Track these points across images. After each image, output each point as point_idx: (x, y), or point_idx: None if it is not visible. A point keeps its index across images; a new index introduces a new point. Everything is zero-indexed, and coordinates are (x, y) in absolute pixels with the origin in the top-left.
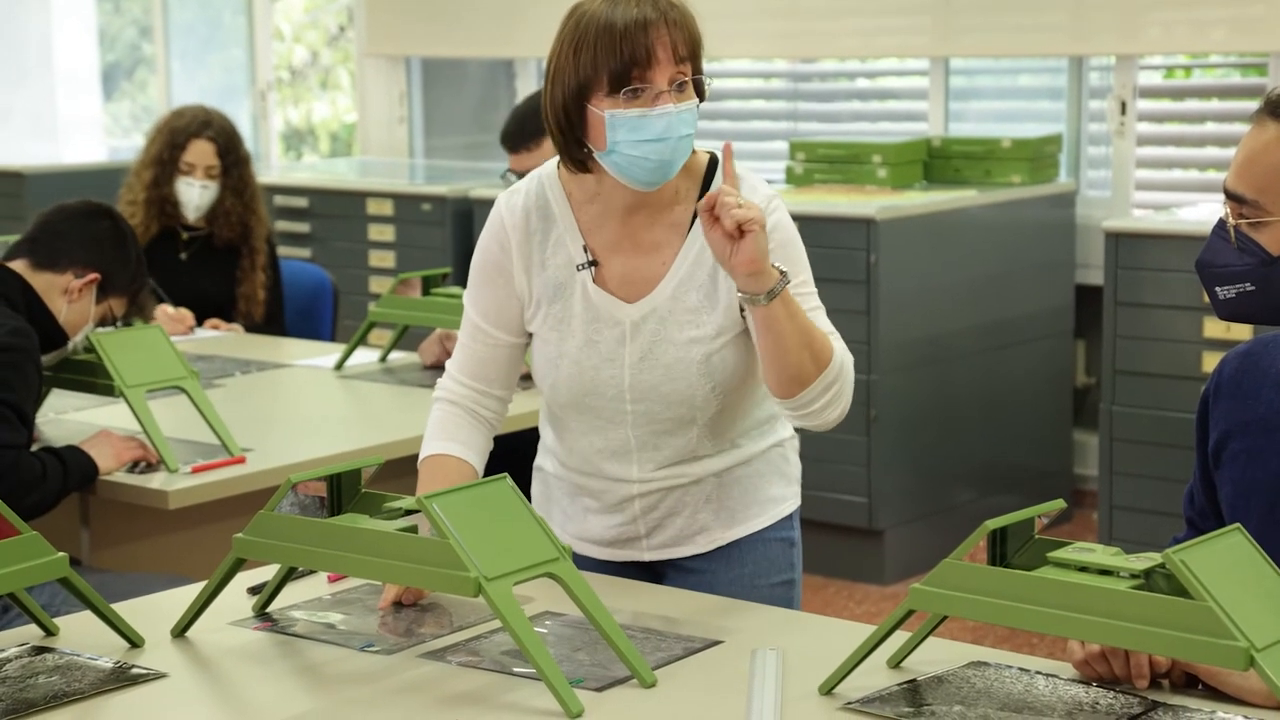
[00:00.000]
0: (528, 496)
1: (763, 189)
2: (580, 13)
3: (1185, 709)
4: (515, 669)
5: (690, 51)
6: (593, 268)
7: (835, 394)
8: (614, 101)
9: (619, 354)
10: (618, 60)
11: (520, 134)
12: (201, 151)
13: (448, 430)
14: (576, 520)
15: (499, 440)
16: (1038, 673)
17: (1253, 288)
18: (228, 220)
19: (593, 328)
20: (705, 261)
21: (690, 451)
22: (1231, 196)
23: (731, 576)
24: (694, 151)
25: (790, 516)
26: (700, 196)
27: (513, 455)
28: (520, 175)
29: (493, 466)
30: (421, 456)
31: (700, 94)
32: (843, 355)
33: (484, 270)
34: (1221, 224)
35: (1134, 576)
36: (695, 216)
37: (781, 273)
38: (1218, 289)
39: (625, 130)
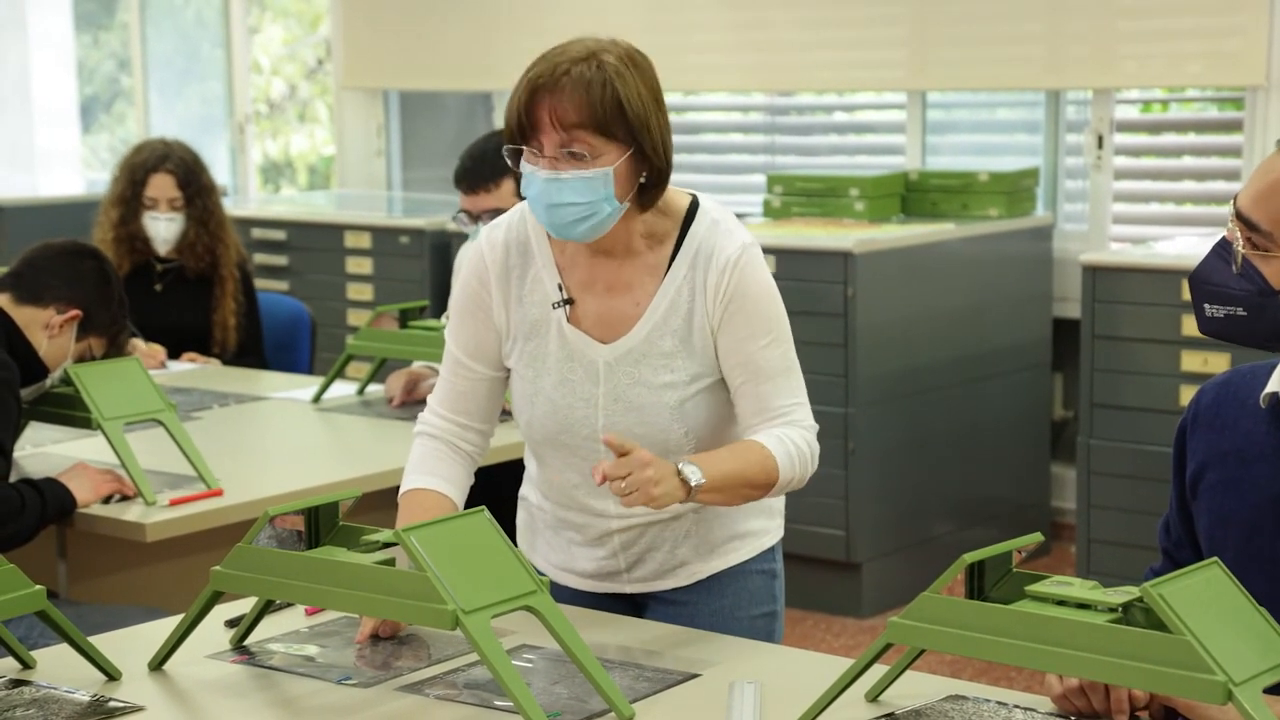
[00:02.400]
0: (511, 528)
1: (736, 239)
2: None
3: None
4: (493, 702)
5: (589, 119)
6: (567, 306)
7: (794, 486)
8: (525, 153)
9: (593, 394)
10: (510, 117)
11: (477, 174)
12: (161, 185)
13: (428, 464)
14: (560, 551)
15: (481, 472)
16: (1016, 706)
17: (1244, 313)
18: (194, 251)
19: (567, 366)
20: (680, 307)
21: None
22: (1243, 219)
23: (713, 609)
24: (683, 193)
25: (772, 549)
26: (681, 238)
27: (496, 488)
28: (473, 217)
29: (475, 499)
30: (402, 491)
31: (652, 160)
32: (792, 458)
33: (464, 304)
34: (1225, 244)
35: (1112, 610)
36: (672, 259)
37: (688, 484)
38: (1207, 305)
39: (524, 184)
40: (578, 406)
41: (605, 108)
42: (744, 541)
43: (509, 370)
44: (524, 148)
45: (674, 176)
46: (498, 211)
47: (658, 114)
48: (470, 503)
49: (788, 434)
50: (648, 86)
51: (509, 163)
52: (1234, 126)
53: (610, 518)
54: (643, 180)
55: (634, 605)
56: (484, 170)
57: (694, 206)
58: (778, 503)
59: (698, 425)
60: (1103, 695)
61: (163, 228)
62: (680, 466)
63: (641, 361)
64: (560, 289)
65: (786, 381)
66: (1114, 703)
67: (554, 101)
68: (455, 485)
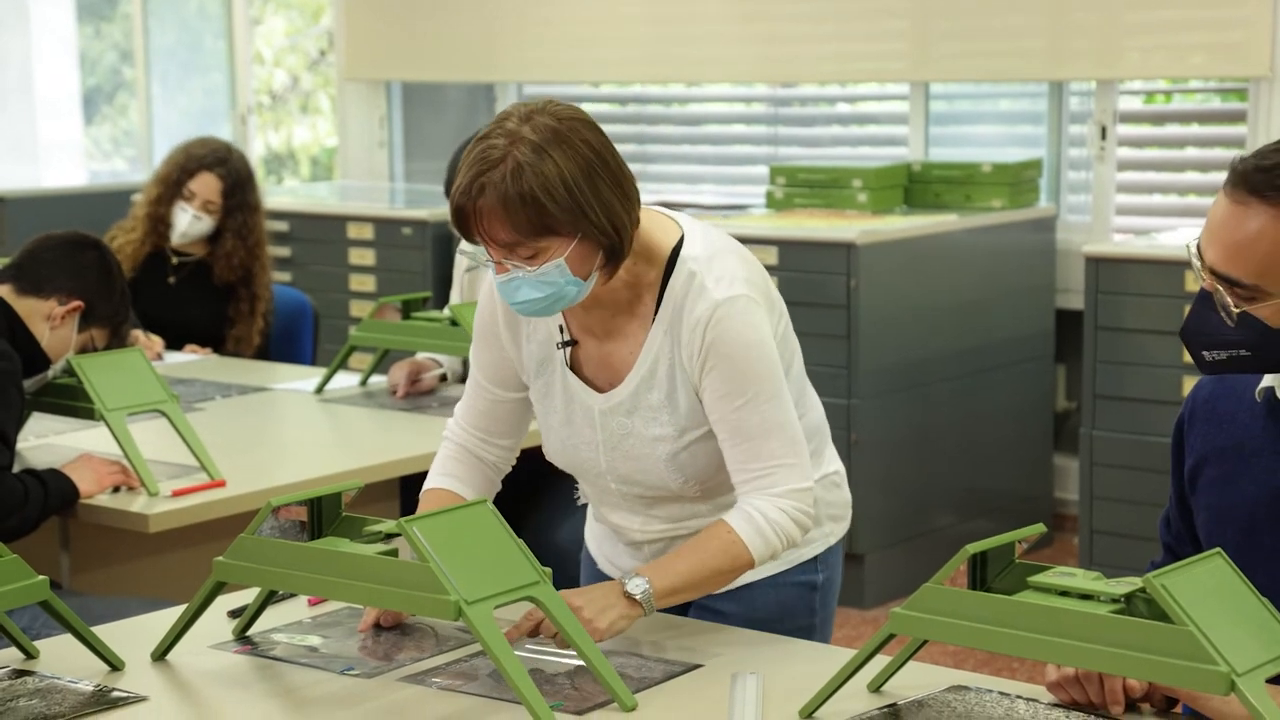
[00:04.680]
0: (522, 518)
1: (709, 297)
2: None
3: None
4: (496, 693)
5: (518, 232)
6: (569, 348)
7: (778, 555)
8: None
9: (594, 439)
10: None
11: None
12: (207, 184)
13: (448, 467)
14: (608, 543)
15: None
16: (1018, 697)
17: (1248, 353)
18: (229, 262)
19: (569, 408)
20: (663, 362)
21: (689, 513)
22: (1220, 277)
23: (746, 620)
24: (670, 226)
25: (815, 559)
26: (664, 284)
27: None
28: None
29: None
30: (422, 491)
31: (600, 239)
32: (764, 534)
33: (481, 331)
34: (1207, 296)
35: (1114, 601)
36: (656, 312)
37: (633, 599)
38: (1205, 352)
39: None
40: (582, 447)
41: (530, 216)
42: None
43: (528, 391)
44: None
45: (678, 169)
46: None
47: (593, 190)
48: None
49: (760, 507)
50: (576, 163)
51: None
52: (1237, 118)
53: (634, 530)
54: (602, 250)
55: (678, 610)
56: None
57: (677, 251)
58: (829, 509)
59: (696, 474)
60: (1097, 686)
61: (186, 221)
62: (625, 583)
63: (633, 413)
64: (562, 330)
65: (765, 443)
66: (1109, 694)
67: (480, 224)
68: (472, 488)
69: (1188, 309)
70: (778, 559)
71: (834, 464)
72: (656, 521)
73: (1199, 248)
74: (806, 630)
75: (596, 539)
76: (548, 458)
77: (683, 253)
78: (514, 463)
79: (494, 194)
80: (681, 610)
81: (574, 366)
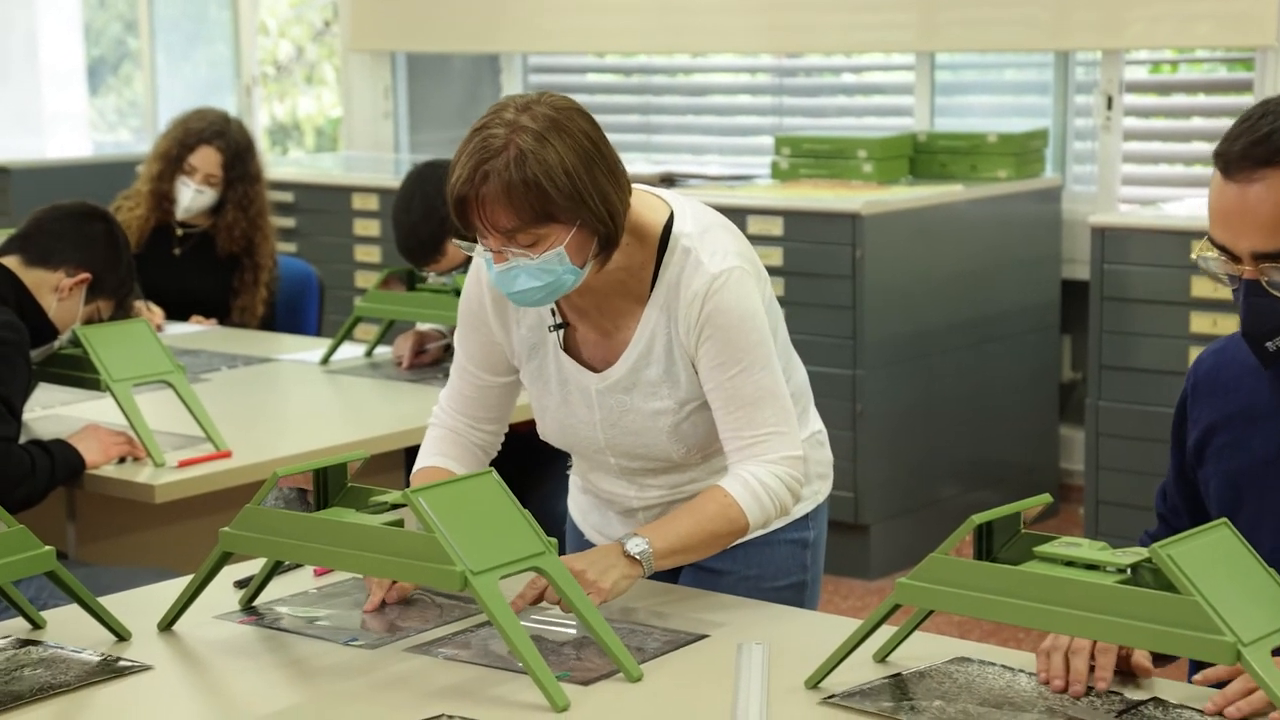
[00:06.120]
0: (529, 492)
1: (704, 271)
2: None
3: (1171, 705)
4: (501, 663)
5: (521, 219)
6: (561, 330)
7: (772, 521)
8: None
9: (591, 418)
10: (450, 212)
11: (420, 254)
12: (207, 158)
13: (440, 448)
14: (597, 513)
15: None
16: (1020, 670)
17: None
18: (230, 233)
19: (565, 389)
20: (660, 338)
21: (687, 479)
22: (1267, 257)
23: (740, 578)
24: (661, 206)
25: (806, 517)
26: (658, 265)
27: (519, 454)
28: (441, 273)
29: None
30: (413, 471)
31: (598, 226)
32: (759, 498)
33: (466, 317)
34: (1254, 287)
35: (1120, 571)
36: (651, 290)
37: (634, 558)
38: (1269, 343)
39: (484, 264)
40: (580, 427)
41: (534, 203)
42: None
43: (517, 373)
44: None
45: (683, 139)
46: (454, 268)
47: (591, 179)
48: (515, 459)
49: (755, 473)
50: (576, 152)
51: (462, 244)
52: (1243, 87)
53: (630, 497)
54: (597, 239)
55: (669, 572)
56: (425, 249)
57: (668, 229)
58: (816, 466)
59: (697, 443)
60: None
61: (189, 196)
62: (625, 544)
63: (632, 390)
64: (553, 314)
65: (758, 411)
66: (1098, 671)
67: (480, 206)
68: (465, 467)
69: (1240, 301)
70: (768, 527)
71: (818, 423)
72: (653, 489)
73: (1221, 248)
74: (799, 587)
75: (583, 510)
76: (542, 438)
77: (675, 230)
78: (501, 444)
79: (498, 181)
80: (674, 573)
81: (567, 348)
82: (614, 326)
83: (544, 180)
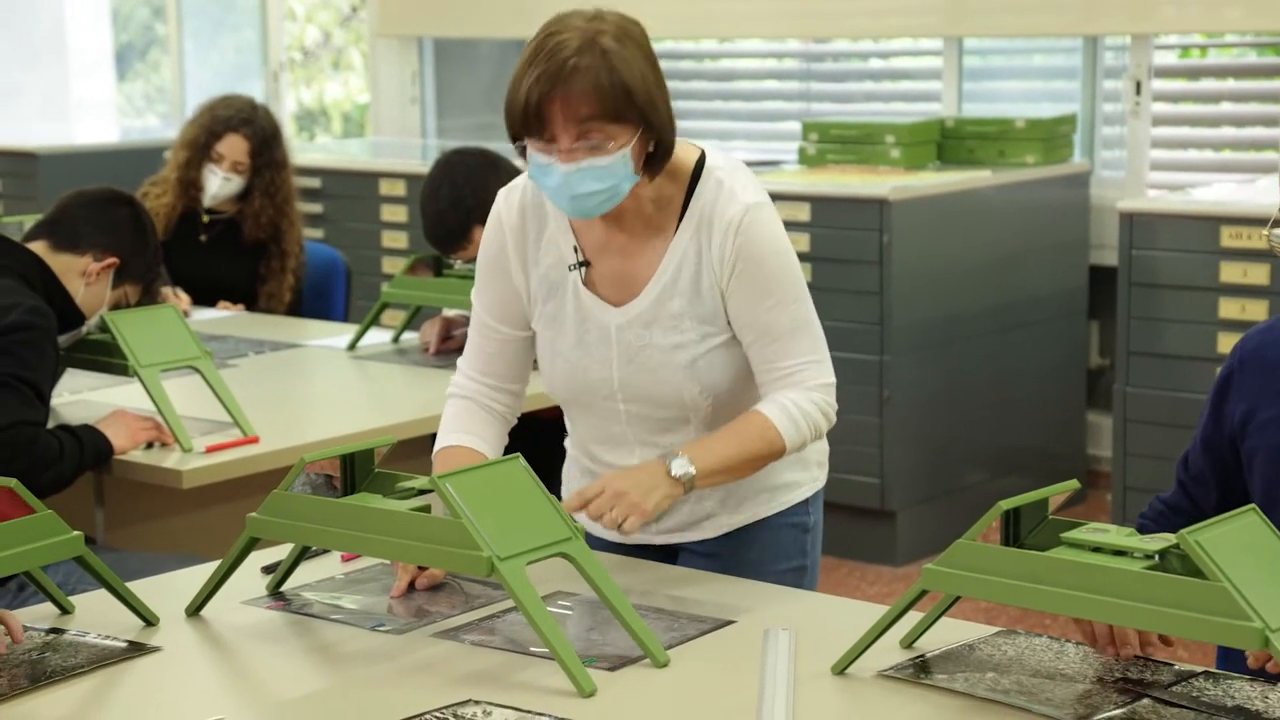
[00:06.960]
0: (551, 478)
1: (739, 200)
2: (524, 49)
3: (1224, 676)
4: (528, 648)
5: (601, 110)
6: (583, 268)
7: (806, 447)
8: (535, 143)
9: (607, 356)
10: (516, 125)
11: (448, 241)
12: (234, 145)
13: (461, 423)
14: None
15: (525, 420)
16: (1067, 641)
17: None
18: (257, 220)
19: (583, 328)
20: (688, 268)
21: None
22: None
23: (739, 561)
24: (689, 148)
25: (806, 502)
26: (686, 200)
27: (536, 438)
28: (468, 260)
29: (518, 448)
30: (435, 450)
31: (660, 132)
32: (796, 422)
33: (486, 266)
34: None
35: (1148, 557)
36: (680, 221)
37: (676, 480)
38: None
39: (533, 171)
40: (594, 368)
41: (615, 97)
42: (774, 494)
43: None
44: (529, 141)
45: (710, 125)
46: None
47: (658, 85)
48: (512, 450)
49: (792, 398)
50: (646, 59)
51: (519, 155)
52: (1273, 72)
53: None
54: (650, 150)
55: (667, 556)
56: (452, 237)
57: (700, 165)
58: (815, 454)
59: (712, 383)
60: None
61: (217, 184)
62: (669, 463)
63: (652, 324)
64: (576, 251)
65: (794, 342)
66: (1118, 636)
67: (564, 98)
68: (487, 443)
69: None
70: (802, 451)
71: None
72: (654, 458)
73: None
74: (799, 571)
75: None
76: (548, 389)
77: (708, 163)
78: (519, 413)
79: (585, 71)
80: (670, 556)
81: (587, 286)
82: (638, 260)
83: (628, 79)
